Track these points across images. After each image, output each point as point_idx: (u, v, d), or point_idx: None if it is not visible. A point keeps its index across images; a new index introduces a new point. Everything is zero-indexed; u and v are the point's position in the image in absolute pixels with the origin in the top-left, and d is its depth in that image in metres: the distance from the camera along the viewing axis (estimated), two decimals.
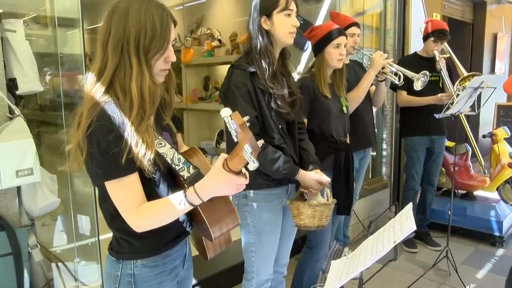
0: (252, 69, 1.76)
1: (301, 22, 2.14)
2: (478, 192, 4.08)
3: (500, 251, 3.64)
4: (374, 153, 4.36)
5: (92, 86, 1.15)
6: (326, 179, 1.90)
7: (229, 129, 0.99)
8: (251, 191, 1.87)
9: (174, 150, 1.21)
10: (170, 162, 1.19)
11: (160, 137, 1.20)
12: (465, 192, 4.06)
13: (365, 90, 2.72)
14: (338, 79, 2.41)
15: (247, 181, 1.11)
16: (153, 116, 1.20)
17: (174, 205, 1.12)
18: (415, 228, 1.14)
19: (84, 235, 2.44)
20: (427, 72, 2.84)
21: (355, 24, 2.83)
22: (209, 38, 4.61)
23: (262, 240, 1.93)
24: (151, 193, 1.18)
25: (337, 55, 2.29)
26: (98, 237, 2.32)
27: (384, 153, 4.40)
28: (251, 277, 1.99)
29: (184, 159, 1.23)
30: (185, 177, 1.21)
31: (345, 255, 1.31)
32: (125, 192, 1.14)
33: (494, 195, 3.99)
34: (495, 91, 2.91)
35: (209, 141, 4.82)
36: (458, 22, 6.24)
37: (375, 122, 4.07)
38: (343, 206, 2.47)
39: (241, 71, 1.77)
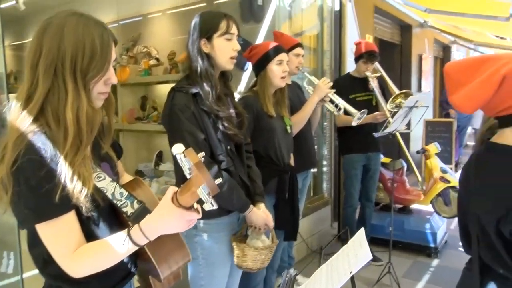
0: (194, 90, 1.68)
1: (241, 42, 2.12)
2: (413, 206, 4.26)
3: (435, 262, 3.81)
4: (315, 170, 4.43)
5: (19, 114, 1.01)
6: (272, 223, 1.87)
7: (181, 166, 0.92)
8: (201, 221, 1.76)
9: (115, 183, 1.09)
10: (111, 198, 1.07)
11: (98, 169, 1.08)
12: (402, 206, 4.22)
13: (308, 114, 2.75)
14: (280, 98, 2.38)
15: (199, 216, 1.03)
16: (90, 145, 1.09)
17: (117, 247, 1.01)
18: (371, 257, 1.11)
19: (5, 273, 2.19)
20: (366, 111, 2.95)
21: (300, 45, 2.86)
22: (146, 57, 4.46)
23: (213, 273, 1.82)
24: (90, 233, 1.05)
25: (280, 72, 2.26)
26: (22, 275, 2.09)
27: (325, 169, 4.48)
28: None
29: (126, 192, 1.12)
30: (128, 214, 1.10)
31: (297, 285, 1.26)
32: (59, 234, 1.00)
33: (428, 207, 4.19)
34: (419, 111, 3.07)
35: (148, 163, 4.62)
36: (388, 44, 6.61)
37: (315, 140, 4.16)
38: (289, 232, 2.44)
39: (183, 93, 1.68)
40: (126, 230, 1.03)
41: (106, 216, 1.09)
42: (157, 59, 4.43)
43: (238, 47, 1.74)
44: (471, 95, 1.14)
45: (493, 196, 1.14)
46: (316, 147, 4.20)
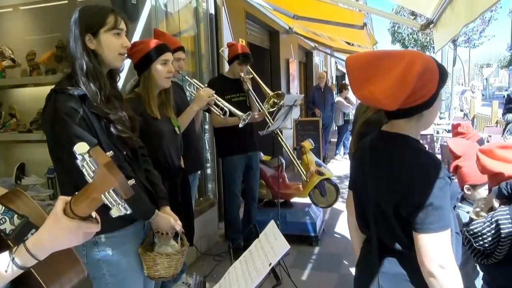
0: (80, 92, 1.51)
1: None
2: (293, 199, 4.52)
3: (317, 249, 4.09)
4: (199, 172, 4.39)
5: None
6: (180, 224, 1.78)
7: (82, 168, 0.80)
8: (102, 236, 1.58)
9: None
10: None
11: None
12: (283, 200, 4.43)
13: (188, 121, 2.71)
14: (165, 99, 2.26)
15: (98, 228, 0.92)
16: None
17: None
18: (288, 246, 1.13)
19: None
20: (250, 113, 3.03)
21: (182, 48, 2.80)
22: None
23: None
24: None
25: (165, 72, 2.15)
26: None
27: (209, 171, 4.47)
28: None
29: (2, 207, 0.95)
30: (7, 232, 0.93)
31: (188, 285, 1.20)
32: None
33: (306, 200, 4.48)
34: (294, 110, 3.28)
35: (6, 178, 4.02)
36: (259, 48, 6.91)
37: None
38: (185, 236, 2.36)
39: (67, 95, 1.49)
40: (8, 252, 0.86)
41: None
42: (13, 60, 3.89)
43: (128, 44, 1.62)
44: (392, 92, 1.19)
45: (390, 182, 1.25)
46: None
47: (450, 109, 12.16)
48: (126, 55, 1.64)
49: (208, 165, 4.46)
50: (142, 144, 1.84)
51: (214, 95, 2.84)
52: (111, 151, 0.86)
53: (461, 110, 12.74)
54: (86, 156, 0.80)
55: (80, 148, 0.80)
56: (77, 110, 1.48)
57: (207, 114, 4.26)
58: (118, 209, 0.82)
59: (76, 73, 1.54)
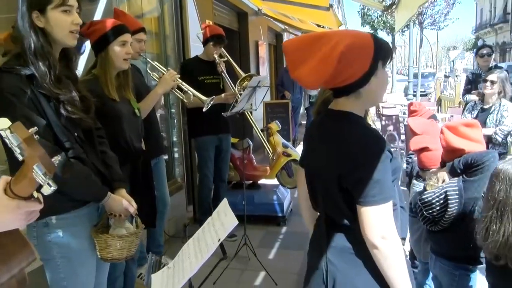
0: (28, 72, 1.47)
1: None
2: (261, 181, 4.57)
3: (284, 229, 4.18)
4: (166, 157, 4.37)
5: None
6: (135, 206, 1.77)
7: (10, 145, 0.79)
8: (53, 217, 1.57)
9: None
10: None
11: None
12: (251, 182, 4.48)
13: (152, 104, 2.70)
14: (124, 81, 2.22)
15: (41, 206, 0.91)
16: None
17: None
18: (236, 222, 1.15)
19: None
20: (214, 97, 3.04)
21: (143, 29, 2.75)
22: None
23: (76, 271, 1.65)
24: None
25: (123, 54, 2.10)
26: None
27: (176, 155, 4.46)
28: None
29: None
30: None
31: (165, 265, 1.23)
32: None
33: (274, 181, 4.55)
34: (261, 91, 3.30)
35: None
36: (227, 30, 6.82)
37: (162, 126, 4.11)
38: (148, 219, 2.37)
39: (14, 75, 1.45)
40: None
41: None
42: None
43: (79, 21, 1.57)
44: (314, 72, 1.24)
45: (334, 157, 1.30)
46: (164, 134, 4.17)
47: (417, 91, 12.47)
48: (78, 33, 1.59)
49: (176, 149, 4.45)
50: (98, 125, 1.82)
51: (179, 79, 2.83)
52: (34, 128, 0.84)
53: (425, 92, 13.08)
54: (8, 132, 0.78)
55: (1, 124, 0.78)
56: (25, 91, 1.44)
57: (171, 98, 4.25)
58: (46, 187, 0.81)
59: (25, 52, 1.49)
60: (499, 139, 3.64)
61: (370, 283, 1.29)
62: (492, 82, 3.69)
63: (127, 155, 2.18)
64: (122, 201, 1.72)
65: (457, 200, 1.81)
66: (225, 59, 3.68)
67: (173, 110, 4.40)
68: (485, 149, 1.96)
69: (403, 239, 1.44)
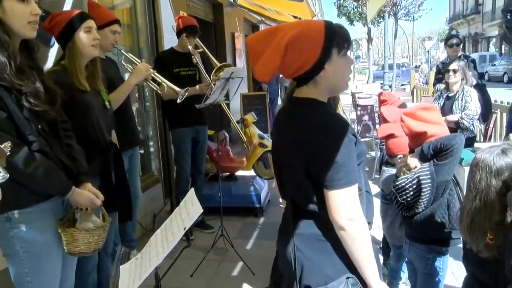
0: None
1: (43, 14, 1.88)
2: (238, 172, 4.58)
3: (261, 220, 4.21)
4: (142, 151, 4.33)
5: None
6: (101, 198, 1.76)
7: None
8: (15, 212, 1.55)
9: None
10: None
11: None
12: (228, 174, 4.48)
13: (124, 95, 2.67)
14: (94, 72, 2.19)
15: None
16: None
17: None
18: (201, 210, 1.16)
19: None
20: (189, 88, 3.04)
21: (117, 21, 2.73)
22: None
23: (41, 266, 1.63)
24: None
25: (90, 40, 2.07)
26: None
27: (152, 149, 4.42)
28: None
29: None
30: None
31: (134, 257, 1.23)
32: None
33: (251, 172, 4.56)
34: (236, 83, 3.30)
35: None
36: (202, 21, 6.76)
37: (138, 119, 4.07)
38: (123, 212, 2.36)
39: None
40: None
41: None
42: None
43: (38, 11, 1.54)
44: (265, 64, 1.29)
45: (299, 143, 1.31)
46: (139, 128, 4.13)
47: (393, 81, 12.67)
48: (38, 23, 1.56)
49: (152, 142, 4.41)
50: (65, 118, 1.79)
51: (151, 69, 2.82)
52: None
53: (402, 84, 13.34)
54: None
55: None
56: None
57: (146, 91, 4.21)
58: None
59: None
60: (466, 124, 3.77)
61: (339, 268, 1.32)
62: (454, 71, 3.83)
63: (97, 147, 2.15)
64: (89, 195, 1.70)
65: (430, 184, 1.87)
66: (201, 50, 3.66)
67: (148, 104, 4.35)
68: (445, 129, 2.03)
69: (370, 223, 1.47)
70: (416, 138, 2.03)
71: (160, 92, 2.94)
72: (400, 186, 1.96)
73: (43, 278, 1.66)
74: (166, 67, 2.97)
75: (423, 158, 1.98)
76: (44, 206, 1.62)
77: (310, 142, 1.28)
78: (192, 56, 3.51)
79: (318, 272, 1.32)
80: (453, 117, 3.81)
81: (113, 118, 2.36)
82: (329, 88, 1.38)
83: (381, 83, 12.98)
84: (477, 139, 5.19)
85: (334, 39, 1.29)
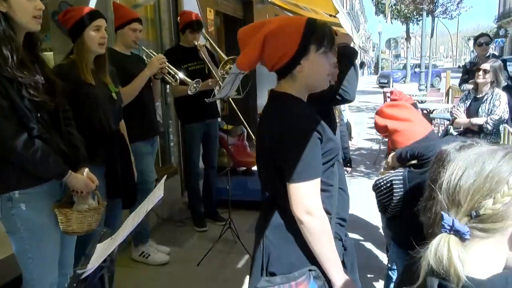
0: None
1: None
2: (255, 167, 4.63)
3: None
4: (163, 141, 4.49)
5: None
6: (96, 182, 1.88)
7: None
8: (16, 192, 1.69)
9: None
10: None
11: None
12: (245, 168, 4.55)
13: (139, 87, 2.81)
14: (101, 66, 2.31)
15: None
16: None
17: None
18: (162, 195, 1.23)
19: None
20: (200, 80, 3.14)
21: (138, 19, 2.89)
22: None
23: (40, 243, 1.77)
24: None
25: (98, 38, 2.19)
26: None
27: (172, 143, 4.56)
28: (32, 285, 1.81)
29: None
30: None
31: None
32: None
33: None
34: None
35: None
36: (231, 18, 6.86)
37: (161, 112, 4.21)
38: (125, 200, 2.48)
39: None
40: None
41: None
42: None
43: (42, 6, 1.67)
44: (246, 55, 1.35)
45: (269, 136, 1.36)
46: (160, 121, 4.28)
47: (428, 82, 12.30)
48: (41, 17, 1.68)
49: (172, 136, 4.54)
50: (67, 107, 1.92)
51: (166, 62, 2.94)
52: None
53: (432, 85, 12.88)
54: None
55: None
56: None
57: (168, 86, 4.34)
58: None
59: None
60: (490, 128, 3.63)
61: (302, 259, 1.35)
62: (485, 71, 3.66)
63: (103, 136, 2.28)
64: (84, 179, 1.82)
65: (402, 189, 1.84)
66: (207, 42, 3.70)
67: (169, 98, 4.49)
68: (412, 125, 1.97)
69: (344, 219, 1.48)
70: (383, 132, 2.05)
71: (173, 84, 3.07)
72: (377, 185, 1.94)
73: (43, 254, 1.79)
74: (174, 64, 3.06)
75: (401, 161, 1.95)
76: (42, 188, 1.75)
77: (276, 135, 1.32)
78: (199, 51, 3.56)
79: (283, 260, 1.36)
80: (478, 120, 3.67)
81: (121, 109, 2.48)
82: (306, 84, 1.40)
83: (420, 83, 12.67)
84: (506, 143, 5.00)
85: (313, 36, 1.32)
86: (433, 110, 7.11)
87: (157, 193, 1.23)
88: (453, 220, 0.82)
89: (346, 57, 1.75)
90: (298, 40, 1.30)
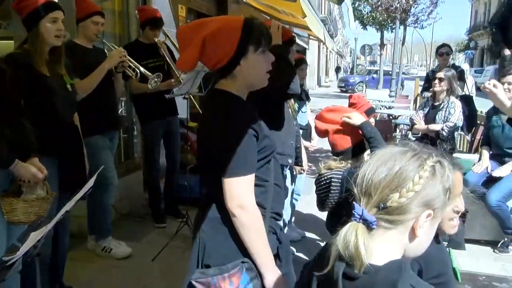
0: None
1: None
2: None
3: None
4: (126, 135, 4.45)
5: None
6: (44, 172, 1.86)
7: None
8: None
9: None
10: None
11: None
12: None
13: (97, 80, 2.79)
14: (57, 57, 2.29)
15: None
16: None
17: None
18: (91, 184, 1.25)
19: None
20: (161, 74, 3.14)
21: (100, 13, 2.88)
22: None
23: None
24: None
25: (54, 30, 2.16)
26: None
27: (135, 139, 4.53)
28: None
29: None
30: None
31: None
32: None
33: None
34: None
35: None
36: (205, 16, 6.84)
37: (123, 106, 4.17)
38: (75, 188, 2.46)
39: None
40: None
41: None
42: None
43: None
44: (186, 56, 1.38)
45: (205, 132, 1.40)
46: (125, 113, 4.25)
47: (397, 87, 12.61)
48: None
49: (135, 132, 4.51)
50: (17, 98, 1.90)
51: (126, 56, 2.93)
52: None
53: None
54: None
55: None
56: None
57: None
58: None
59: None
60: (445, 134, 3.79)
61: (235, 252, 1.38)
62: (440, 80, 3.83)
63: (57, 129, 2.26)
64: (31, 168, 1.81)
65: (338, 187, 1.91)
66: (165, 39, 3.68)
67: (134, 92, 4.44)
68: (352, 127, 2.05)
69: (279, 214, 1.53)
70: (324, 135, 2.14)
71: (134, 78, 3.07)
72: (318, 179, 2.01)
73: None
74: (134, 60, 3.05)
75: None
76: None
77: (213, 132, 1.36)
78: (159, 48, 3.54)
79: (217, 253, 1.40)
80: (435, 127, 3.84)
81: (76, 101, 2.47)
82: (246, 83, 1.44)
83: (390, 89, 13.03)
84: (461, 149, 5.20)
85: (251, 36, 1.36)
86: (398, 116, 7.32)
87: (88, 185, 1.25)
88: (362, 210, 0.89)
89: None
90: (236, 41, 1.34)
